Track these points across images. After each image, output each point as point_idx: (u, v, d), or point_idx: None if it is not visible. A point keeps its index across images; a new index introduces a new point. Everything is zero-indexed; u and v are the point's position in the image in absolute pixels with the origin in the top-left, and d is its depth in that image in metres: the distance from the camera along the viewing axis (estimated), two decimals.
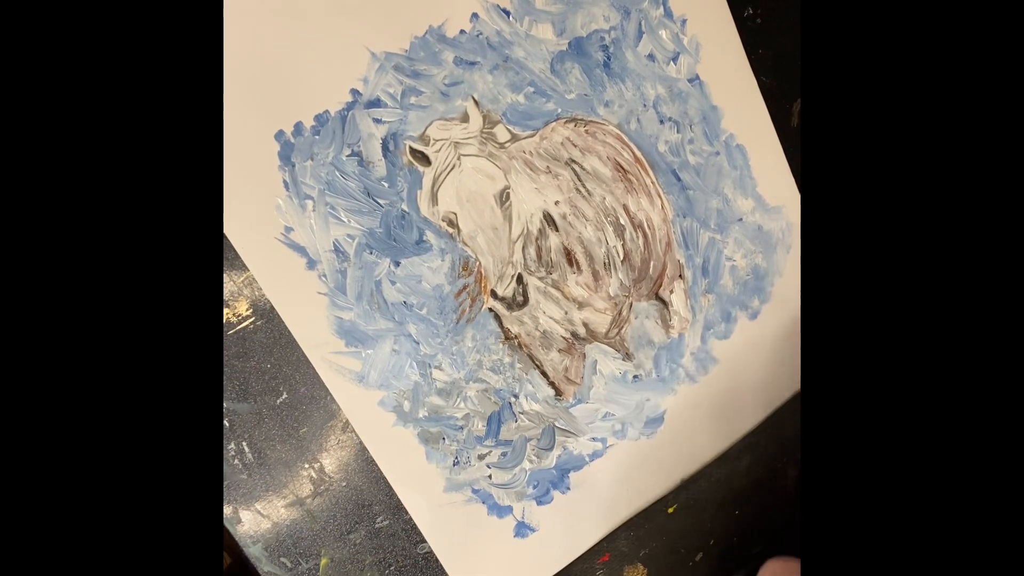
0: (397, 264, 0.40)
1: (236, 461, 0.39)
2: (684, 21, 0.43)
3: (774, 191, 0.48)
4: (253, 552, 0.40)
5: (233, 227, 0.37)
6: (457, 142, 0.40)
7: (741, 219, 0.47)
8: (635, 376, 0.46)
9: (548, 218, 0.42)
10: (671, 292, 0.46)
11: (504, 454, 0.43)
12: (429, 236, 0.40)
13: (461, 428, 0.42)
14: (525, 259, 0.42)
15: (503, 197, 0.41)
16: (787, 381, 0.51)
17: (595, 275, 0.44)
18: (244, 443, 0.39)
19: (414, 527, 0.42)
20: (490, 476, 0.43)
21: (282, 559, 0.41)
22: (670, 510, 0.48)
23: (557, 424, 0.44)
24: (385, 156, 0.39)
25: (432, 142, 0.39)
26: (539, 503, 0.44)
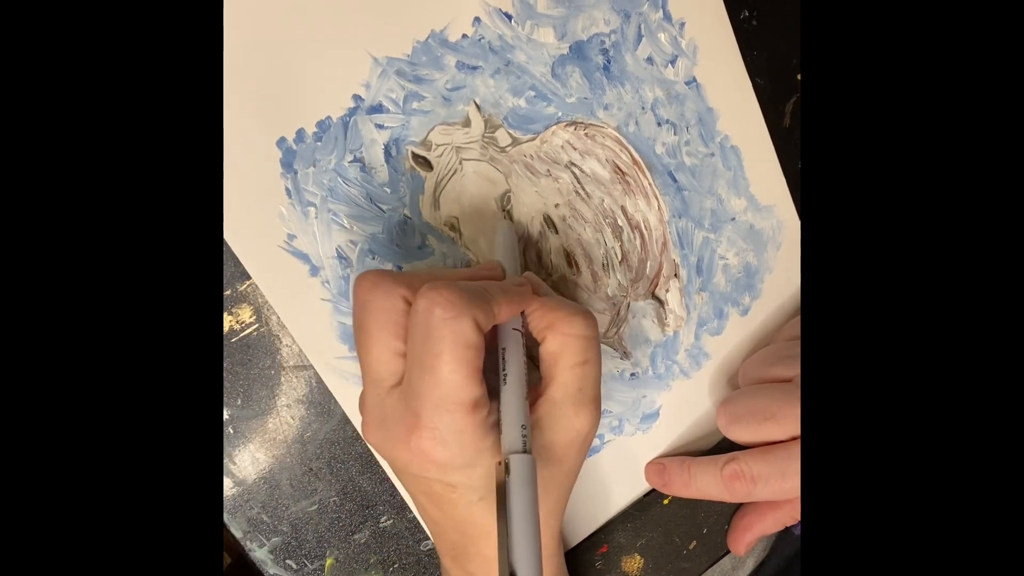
0: (399, 269, 0.40)
1: (239, 467, 0.39)
2: (683, 24, 0.43)
3: (766, 190, 0.49)
4: (259, 556, 0.41)
5: (235, 235, 0.36)
6: (459, 147, 0.40)
7: (734, 218, 0.48)
8: (632, 374, 0.47)
9: (548, 221, 0.43)
10: (667, 291, 0.47)
11: None
12: (431, 241, 0.40)
13: None
14: (526, 262, 0.42)
15: (504, 201, 0.41)
16: None
17: (594, 276, 0.45)
18: (247, 449, 0.39)
19: (417, 525, 0.43)
20: None
21: (287, 561, 0.41)
22: (665, 501, 0.49)
23: None
24: (387, 162, 0.38)
25: (434, 147, 0.39)
26: None
